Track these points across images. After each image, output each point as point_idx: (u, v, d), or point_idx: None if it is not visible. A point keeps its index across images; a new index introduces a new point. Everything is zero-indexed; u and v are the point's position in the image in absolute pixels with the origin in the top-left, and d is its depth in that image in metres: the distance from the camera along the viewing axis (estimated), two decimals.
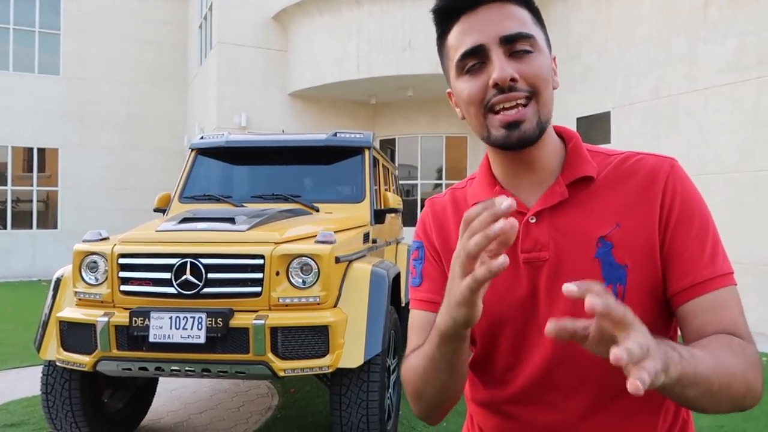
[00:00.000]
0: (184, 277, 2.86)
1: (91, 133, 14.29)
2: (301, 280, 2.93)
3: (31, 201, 14.12)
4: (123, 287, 2.95)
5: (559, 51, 9.57)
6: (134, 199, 14.19)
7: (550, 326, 0.63)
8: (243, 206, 3.89)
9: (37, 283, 12.65)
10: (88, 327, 2.87)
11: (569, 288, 0.61)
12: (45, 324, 3.13)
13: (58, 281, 3.23)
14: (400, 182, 8.57)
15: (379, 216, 4.17)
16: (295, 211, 3.73)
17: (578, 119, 9.13)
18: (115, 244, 3.02)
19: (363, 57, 10.49)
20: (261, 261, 2.89)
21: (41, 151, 14.13)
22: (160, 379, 4.33)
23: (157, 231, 3.09)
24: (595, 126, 8.90)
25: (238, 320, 2.79)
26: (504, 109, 0.82)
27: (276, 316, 2.82)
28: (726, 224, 6.90)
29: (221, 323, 2.76)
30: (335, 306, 3.01)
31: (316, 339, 2.82)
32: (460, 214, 0.94)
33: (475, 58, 0.83)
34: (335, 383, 3.07)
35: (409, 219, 8.20)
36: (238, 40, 11.59)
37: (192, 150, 4.46)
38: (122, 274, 2.96)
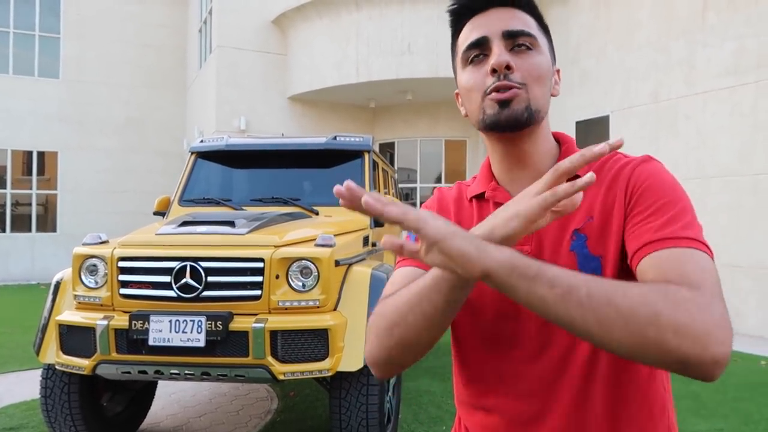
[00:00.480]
0: (183, 281, 2.86)
1: (91, 136, 14.30)
2: (300, 284, 2.93)
3: (31, 204, 14.11)
4: (123, 290, 2.95)
5: (558, 55, 9.48)
6: (133, 202, 14.19)
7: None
8: (243, 209, 3.89)
9: (36, 286, 12.64)
10: (88, 330, 2.87)
11: (337, 189, 0.67)
12: (44, 327, 3.12)
13: (58, 284, 3.23)
14: (400, 186, 8.58)
15: (378, 219, 4.17)
16: (295, 214, 3.74)
17: (577, 123, 9.15)
18: (114, 248, 3.02)
19: (362, 60, 10.51)
20: (261, 264, 2.89)
21: (41, 154, 14.13)
22: (160, 382, 4.33)
23: (156, 234, 3.09)
24: (594, 130, 8.91)
25: (238, 323, 2.79)
26: (497, 91, 0.87)
27: (276, 319, 2.82)
28: (724, 227, 6.92)
29: (221, 326, 2.76)
30: (335, 309, 3.01)
31: (316, 342, 2.82)
32: (462, 205, 1.01)
33: (479, 50, 0.89)
34: (335, 387, 3.07)
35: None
36: (238, 43, 11.61)
37: (192, 153, 4.46)
38: (122, 277, 2.96)
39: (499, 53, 0.86)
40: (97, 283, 2.99)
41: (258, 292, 2.88)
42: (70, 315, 2.98)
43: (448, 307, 0.78)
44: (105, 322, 2.83)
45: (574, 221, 0.88)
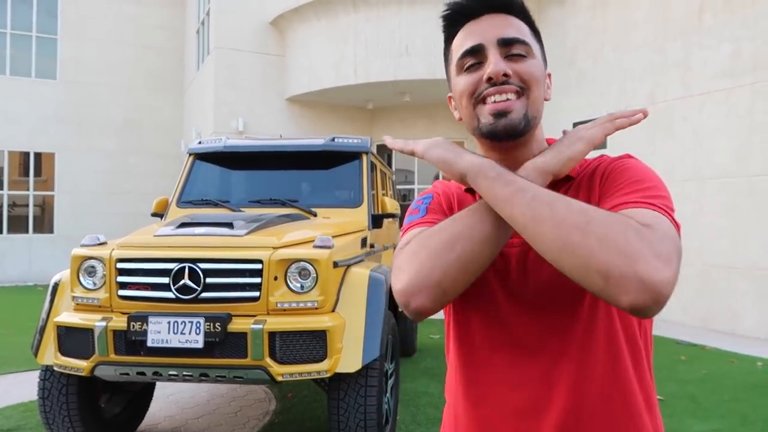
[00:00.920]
0: (182, 282, 2.87)
1: (88, 137, 14.28)
2: (299, 285, 2.94)
3: (28, 205, 14.08)
4: (121, 292, 2.95)
5: (554, 56, 9.62)
6: (131, 203, 14.17)
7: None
8: (241, 211, 3.90)
9: (33, 287, 12.61)
10: (86, 332, 2.87)
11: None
12: (42, 329, 3.12)
13: (56, 286, 3.23)
14: (398, 187, 8.59)
15: (376, 221, 4.19)
16: (293, 215, 3.74)
17: (574, 124, 9.17)
18: (113, 249, 3.03)
19: (360, 62, 10.52)
20: (259, 266, 2.90)
21: (38, 155, 14.10)
22: (158, 383, 4.33)
23: (155, 236, 3.09)
24: None
25: (237, 325, 2.80)
26: (494, 101, 0.88)
27: (274, 320, 2.83)
28: (721, 229, 6.94)
29: (219, 328, 2.76)
30: (333, 311, 3.02)
31: (314, 344, 2.83)
32: (456, 195, 1.02)
33: (474, 57, 0.90)
34: (333, 388, 3.07)
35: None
36: (236, 45, 11.61)
37: (190, 155, 4.47)
38: (120, 278, 2.96)
39: (495, 62, 0.87)
40: (95, 284, 3.00)
41: (256, 294, 2.88)
42: (68, 316, 2.98)
43: (505, 236, 0.83)
44: (103, 324, 2.83)
45: None
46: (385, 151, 12.61)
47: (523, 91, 0.88)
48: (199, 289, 2.86)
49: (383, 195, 4.93)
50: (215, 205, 4.08)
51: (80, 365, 2.87)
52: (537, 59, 0.92)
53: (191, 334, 2.76)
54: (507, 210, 0.76)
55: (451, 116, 12.17)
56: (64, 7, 14.26)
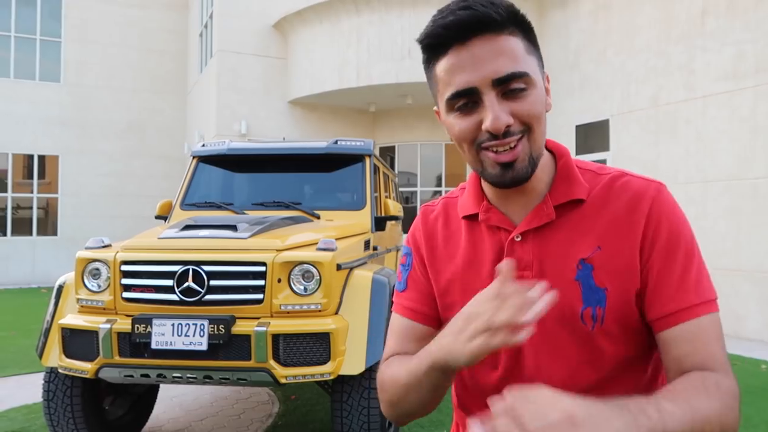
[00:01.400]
0: (186, 284, 2.88)
1: (92, 140, 14.33)
2: (302, 287, 2.94)
3: (31, 208, 14.13)
4: (125, 294, 2.96)
5: (557, 59, 9.64)
6: (134, 206, 14.21)
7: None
8: (244, 213, 3.91)
9: (37, 290, 12.64)
10: (91, 334, 2.88)
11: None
12: (47, 331, 3.13)
13: (61, 288, 3.24)
14: (400, 189, 8.60)
15: (379, 223, 4.19)
16: (297, 218, 3.75)
17: (577, 127, 9.17)
18: (117, 252, 3.04)
19: (362, 65, 10.55)
20: (263, 268, 2.90)
21: (41, 158, 14.15)
22: (161, 386, 4.34)
23: (159, 238, 3.10)
24: (594, 134, 8.94)
25: (240, 327, 2.80)
26: (497, 152, 0.81)
27: (278, 323, 2.84)
28: (724, 231, 6.93)
29: (223, 330, 2.77)
30: (336, 313, 3.02)
31: (318, 346, 2.84)
32: (450, 224, 0.97)
33: (466, 99, 0.81)
34: (336, 390, 3.08)
35: (408, 226, 8.21)
36: (239, 48, 11.64)
37: (193, 157, 4.48)
38: (124, 281, 2.97)
39: (494, 115, 0.78)
40: (99, 286, 3.01)
41: (260, 296, 2.89)
42: (72, 318, 2.99)
43: (443, 383, 0.84)
44: (108, 326, 2.84)
45: (581, 249, 0.84)
46: (387, 154, 12.63)
47: (525, 132, 0.81)
48: (203, 291, 2.87)
49: (386, 197, 4.94)
50: (219, 207, 4.10)
51: (85, 367, 2.88)
52: (536, 86, 0.82)
53: (195, 337, 2.77)
54: None
55: None
56: (68, 10, 14.32)
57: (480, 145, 0.82)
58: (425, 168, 12.45)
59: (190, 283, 2.88)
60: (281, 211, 3.97)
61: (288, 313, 2.90)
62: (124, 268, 2.98)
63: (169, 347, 2.78)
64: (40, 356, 3.11)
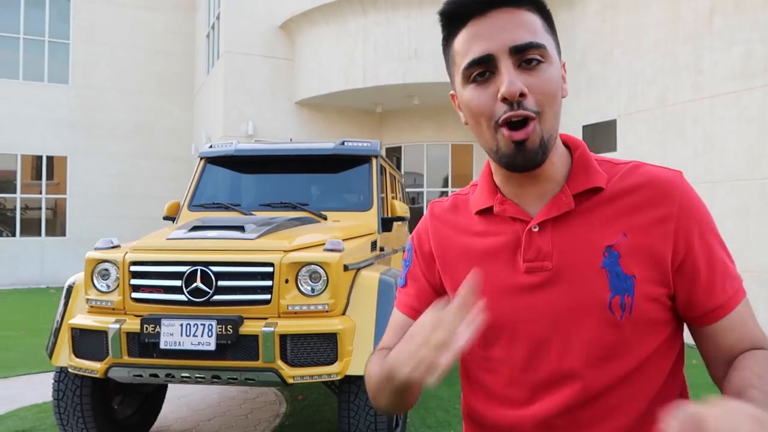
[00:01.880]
0: (194, 285, 2.90)
1: (100, 141, 14.42)
2: (309, 288, 2.96)
3: (40, 208, 14.23)
4: (134, 294, 2.98)
5: (564, 59, 9.59)
6: (142, 206, 14.28)
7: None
8: (252, 214, 3.93)
9: (45, 290, 12.73)
10: (100, 334, 2.91)
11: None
12: (57, 331, 3.16)
13: (70, 288, 3.27)
14: (406, 190, 8.60)
15: (386, 224, 4.20)
16: (304, 219, 3.77)
17: (584, 127, 9.15)
18: (126, 252, 3.06)
19: (369, 66, 10.56)
20: (270, 269, 2.92)
21: (50, 159, 14.25)
22: (169, 385, 4.36)
23: (167, 239, 3.12)
24: (601, 134, 8.91)
25: (248, 327, 2.82)
26: (513, 123, 0.80)
27: (285, 323, 2.85)
28: (733, 232, 6.89)
29: (231, 330, 2.79)
30: (344, 313, 3.04)
31: (325, 346, 2.85)
32: (460, 220, 0.95)
33: (483, 67, 0.80)
34: (343, 390, 3.09)
35: (415, 227, 8.21)
36: (245, 49, 11.68)
37: (201, 159, 4.51)
38: (133, 281, 2.99)
39: (509, 80, 0.78)
40: (109, 287, 3.03)
41: (268, 297, 2.91)
42: (82, 318, 3.02)
43: (400, 394, 0.83)
44: (117, 326, 2.87)
45: (607, 236, 0.82)
46: (394, 154, 12.63)
47: (539, 113, 0.80)
48: (211, 291, 2.89)
49: (393, 198, 4.95)
50: (226, 208, 4.12)
51: (94, 367, 2.90)
52: (553, 62, 0.82)
53: (203, 337, 2.79)
54: None
55: (459, 120, 12.08)
56: (77, 12, 14.42)
57: (497, 122, 0.80)
58: (432, 168, 12.45)
59: (198, 283, 2.90)
60: (288, 212, 3.99)
61: (295, 313, 2.91)
62: (133, 268, 3.00)
63: (177, 347, 2.80)
64: (50, 356, 3.13)
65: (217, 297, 2.90)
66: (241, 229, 3.15)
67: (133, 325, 2.87)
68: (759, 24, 6.73)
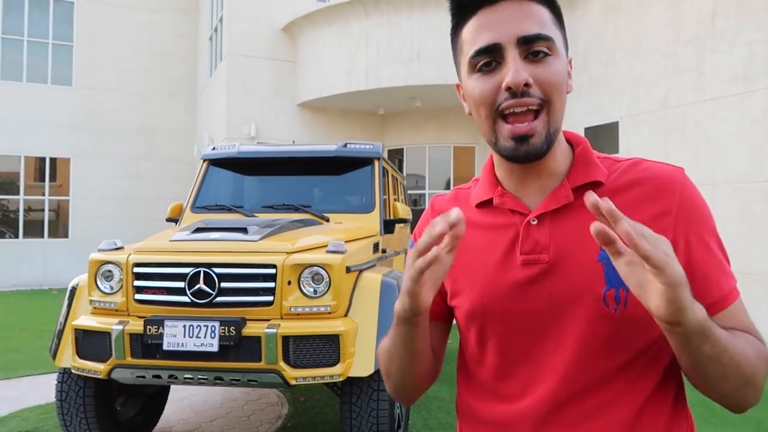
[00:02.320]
0: (197, 286, 2.91)
1: (103, 143, 14.46)
2: (312, 290, 2.97)
3: (43, 210, 14.27)
4: (137, 296, 3.00)
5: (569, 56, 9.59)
6: (144, 208, 14.31)
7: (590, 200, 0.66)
8: (254, 216, 3.94)
9: (48, 291, 12.76)
10: (103, 335, 2.92)
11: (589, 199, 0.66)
12: (60, 332, 3.17)
13: (74, 290, 3.28)
14: (409, 192, 8.61)
15: (388, 226, 4.21)
16: (306, 221, 3.78)
17: (586, 129, 9.15)
18: (129, 254, 3.08)
19: (371, 68, 10.57)
20: (273, 270, 2.93)
21: (53, 160, 14.29)
22: (172, 387, 4.37)
23: (171, 241, 3.14)
24: (603, 136, 8.91)
25: (251, 329, 2.83)
26: (514, 114, 0.80)
27: (288, 325, 2.86)
28: (735, 235, 6.89)
29: (234, 332, 2.80)
30: (346, 315, 3.05)
31: (327, 348, 2.86)
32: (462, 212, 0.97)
33: (489, 57, 0.81)
34: (346, 392, 3.10)
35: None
36: (248, 51, 11.71)
37: (204, 161, 4.52)
38: (137, 283, 3.01)
39: (515, 69, 0.78)
40: (112, 288, 3.05)
41: (270, 298, 2.92)
42: (85, 320, 3.03)
43: (417, 350, 0.88)
44: (120, 327, 2.88)
45: None
46: (396, 156, 12.65)
47: (545, 104, 0.80)
48: (214, 293, 2.90)
49: (395, 200, 4.96)
50: (229, 210, 4.13)
51: (97, 368, 2.91)
52: (560, 55, 0.82)
53: (206, 338, 2.80)
54: (713, 365, 0.75)
55: (461, 122, 12.20)
56: (80, 14, 14.47)
57: (498, 110, 0.81)
58: (434, 170, 12.45)
59: (201, 285, 2.91)
60: (291, 213, 4.00)
61: (298, 315, 2.92)
62: (137, 270, 3.02)
63: (180, 348, 2.81)
64: (54, 357, 3.15)
65: (220, 298, 2.91)
66: (243, 230, 3.16)
67: (136, 326, 2.88)
68: (761, 26, 6.73)
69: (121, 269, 3.03)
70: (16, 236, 14.00)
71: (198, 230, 3.22)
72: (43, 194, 14.25)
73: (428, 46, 10.01)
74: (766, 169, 6.67)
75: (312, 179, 4.49)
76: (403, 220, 4.36)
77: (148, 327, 2.84)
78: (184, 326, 2.83)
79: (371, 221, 4.08)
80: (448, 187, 12.35)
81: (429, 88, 10.27)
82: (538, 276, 0.85)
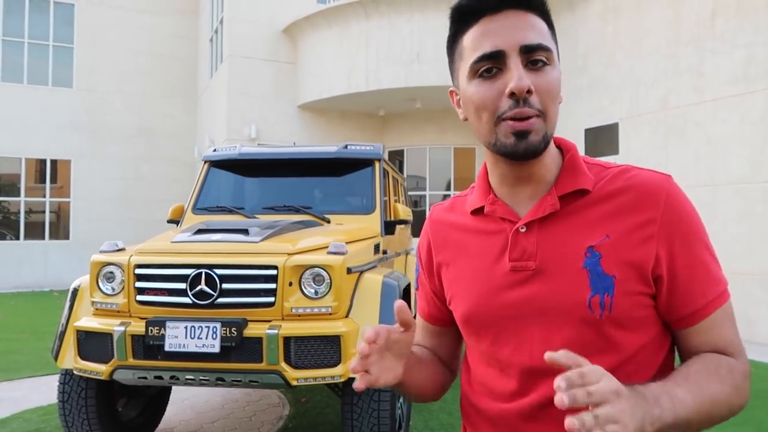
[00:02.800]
0: (199, 288, 2.91)
1: (103, 144, 14.48)
2: (313, 291, 2.97)
3: (44, 212, 14.29)
4: (139, 297, 3.00)
5: (566, 62, 9.63)
6: (145, 210, 14.33)
7: (547, 355, 0.69)
8: (255, 218, 3.95)
9: (49, 293, 12.77)
10: (105, 336, 2.93)
11: (550, 356, 0.68)
12: (62, 333, 3.18)
13: (76, 291, 3.29)
14: (409, 193, 8.62)
15: (389, 227, 4.22)
16: (307, 222, 3.79)
17: (586, 130, 9.16)
18: (131, 255, 3.08)
19: (371, 69, 10.60)
20: (274, 272, 2.94)
21: (54, 162, 14.31)
22: (173, 388, 4.38)
23: (172, 242, 3.14)
24: (604, 137, 8.92)
25: (252, 330, 2.84)
26: (515, 119, 0.83)
27: (289, 326, 2.87)
28: (735, 235, 6.90)
29: (235, 333, 2.80)
30: (347, 316, 3.05)
31: (329, 349, 2.86)
32: (456, 219, 1.00)
33: (491, 63, 0.83)
34: (347, 393, 3.10)
35: (418, 230, 8.21)
36: (248, 52, 11.73)
37: (205, 162, 4.53)
38: (138, 284, 3.01)
39: (518, 76, 0.81)
40: (114, 289, 3.05)
41: (271, 299, 2.92)
42: (87, 321, 3.04)
43: (412, 389, 0.98)
44: (122, 328, 2.89)
45: (590, 237, 0.85)
46: (396, 157, 12.66)
47: (541, 114, 0.83)
48: (216, 294, 2.91)
49: (395, 201, 4.97)
50: (230, 211, 4.14)
51: (99, 369, 2.92)
52: (556, 66, 0.86)
53: (208, 339, 2.81)
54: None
55: (461, 123, 12.10)
56: (81, 16, 14.50)
57: (500, 117, 0.83)
58: (434, 171, 12.47)
59: (202, 286, 2.91)
60: (292, 215, 4.01)
61: (299, 316, 2.93)
62: (138, 271, 3.02)
63: (182, 349, 2.81)
64: (56, 358, 3.15)
65: (221, 299, 2.91)
66: (245, 232, 3.17)
67: (138, 327, 2.89)
68: (761, 27, 6.75)
69: (123, 270, 3.04)
70: (17, 238, 14.01)
71: (199, 232, 3.23)
72: (44, 196, 14.27)
73: (428, 47, 10.03)
74: (766, 170, 6.68)
75: (313, 180, 4.50)
76: (403, 222, 4.37)
77: (150, 328, 2.85)
78: (186, 327, 2.84)
79: (372, 222, 4.09)
80: (448, 188, 12.36)
81: (429, 90, 10.28)
82: (525, 282, 0.87)
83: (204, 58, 14.62)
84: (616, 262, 0.83)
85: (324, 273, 2.98)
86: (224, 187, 4.54)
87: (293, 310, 2.92)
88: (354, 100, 11.36)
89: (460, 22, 0.88)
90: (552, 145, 0.92)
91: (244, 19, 11.78)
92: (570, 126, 9.20)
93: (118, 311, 3.01)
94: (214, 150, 4.59)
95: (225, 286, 2.92)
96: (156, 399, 3.88)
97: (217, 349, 2.79)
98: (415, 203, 12.26)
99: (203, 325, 2.83)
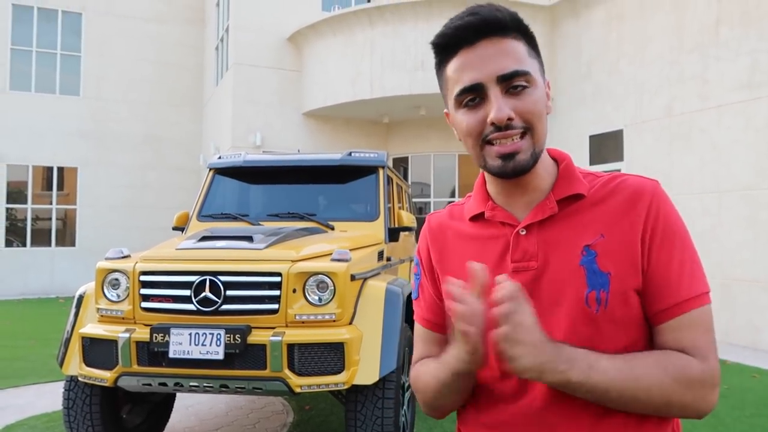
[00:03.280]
0: (203, 294, 2.93)
1: (109, 152, 14.57)
2: (317, 298, 2.98)
3: (50, 219, 14.36)
4: (144, 304, 3.02)
5: (570, 70, 9.65)
6: (151, 217, 14.38)
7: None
8: (260, 225, 3.97)
9: (55, 300, 12.82)
10: (110, 343, 2.94)
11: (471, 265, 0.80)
12: (68, 340, 3.20)
13: (81, 298, 3.31)
14: (414, 200, 8.63)
15: (393, 234, 4.23)
16: (311, 229, 3.80)
17: (591, 137, 9.16)
18: (136, 262, 3.10)
19: (376, 77, 10.64)
20: (278, 278, 2.95)
21: (60, 169, 14.40)
22: (177, 395, 4.39)
23: (177, 249, 3.16)
24: (608, 144, 8.92)
25: (256, 337, 2.84)
26: (500, 143, 0.89)
27: (293, 332, 2.87)
28: (740, 242, 6.86)
29: (239, 340, 2.81)
30: (350, 323, 3.06)
31: (332, 356, 2.87)
32: (454, 225, 1.04)
33: (473, 94, 0.89)
34: (350, 400, 3.10)
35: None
36: (254, 60, 11.80)
37: (210, 169, 4.56)
38: (143, 291, 3.03)
39: (498, 107, 0.86)
40: (119, 296, 3.07)
41: (275, 306, 2.93)
42: (92, 328, 3.05)
43: (469, 386, 0.95)
44: (127, 335, 2.90)
45: (585, 237, 0.90)
46: (401, 164, 12.68)
47: (528, 130, 0.88)
48: (220, 301, 2.92)
49: (399, 208, 4.98)
50: (234, 218, 4.16)
51: (104, 376, 2.93)
52: (537, 85, 0.90)
53: (212, 346, 2.82)
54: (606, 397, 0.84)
55: None
56: (88, 25, 14.63)
57: (485, 140, 0.89)
58: (438, 179, 12.48)
59: (207, 293, 2.93)
60: (296, 222, 4.02)
61: (303, 323, 2.93)
62: (143, 278, 3.04)
63: (186, 356, 2.83)
64: (61, 365, 3.17)
65: (225, 306, 2.93)
66: (249, 239, 3.19)
67: (142, 334, 2.90)
68: (765, 34, 6.75)
69: (128, 277, 3.06)
70: (24, 245, 14.09)
71: (204, 239, 3.25)
72: (51, 203, 14.35)
73: (432, 55, 10.05)
74: None
75: (317, 188, 4.52)
76: (407, 228, 4.38)
77: (155, 335, 2.86)
78: (190, 334, 2.85)
79: (376, 229, 4.10)
80: (453, 195, 12.36)
81: (433, 97, 10.30)
82: (527, 282, 0.90)
83: (210, 66, 14.71)
84: (610, 259, 0.88)
85: (328, 280, 2.99)
86: (229, 194, 4.57)
87: (297, 317, 2.93)
88: (358, 107, 11.39)
89: (442, 53, 0.95)
90: (546, 156, 0.97)
91: (250, 28, 11.86)
92: (574, 133, 9.20)
93: (123, 318, 3.03)
94: (219, 157, 4.62)
95: (229, 292, 2.94)
96: (160, 406, 3.89)
97: (221, 356, 2.80)
98: (420, 210, 12.27)
99: (207, 331, 2.85)
